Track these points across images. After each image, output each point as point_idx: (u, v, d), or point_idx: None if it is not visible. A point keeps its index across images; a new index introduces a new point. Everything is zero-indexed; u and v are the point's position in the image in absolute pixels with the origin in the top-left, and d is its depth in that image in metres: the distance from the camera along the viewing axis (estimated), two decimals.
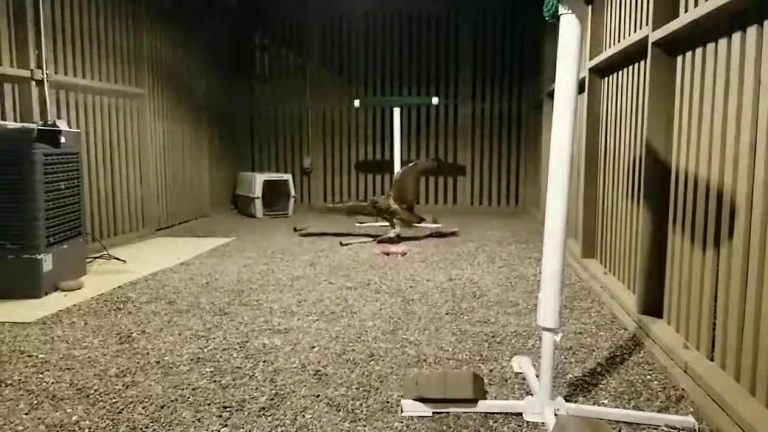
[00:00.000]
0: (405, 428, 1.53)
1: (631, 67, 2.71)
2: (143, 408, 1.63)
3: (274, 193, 6.00)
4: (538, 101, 5.88)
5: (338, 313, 2.54)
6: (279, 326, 2.36)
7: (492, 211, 6.39)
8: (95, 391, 1.74)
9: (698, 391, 1.69)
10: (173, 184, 5.09)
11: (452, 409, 1.61)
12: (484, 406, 1.62)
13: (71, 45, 3.72)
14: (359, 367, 1.93)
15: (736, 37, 1.69)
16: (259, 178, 5.81)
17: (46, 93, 3.38)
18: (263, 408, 1.63)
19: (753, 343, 1.53)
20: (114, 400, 1.68)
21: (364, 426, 1.53)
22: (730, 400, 1.53)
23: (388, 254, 3.85)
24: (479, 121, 6.45)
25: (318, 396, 1.71)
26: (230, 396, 1.71)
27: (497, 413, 1.60)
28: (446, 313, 2.55)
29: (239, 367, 1.92)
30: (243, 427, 1.52)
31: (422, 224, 4.57)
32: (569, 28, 1.49)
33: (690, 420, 1.53)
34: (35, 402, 1.67)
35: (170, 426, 1.53)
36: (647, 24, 2.34)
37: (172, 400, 1.68)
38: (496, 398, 1.70)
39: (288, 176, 6.06)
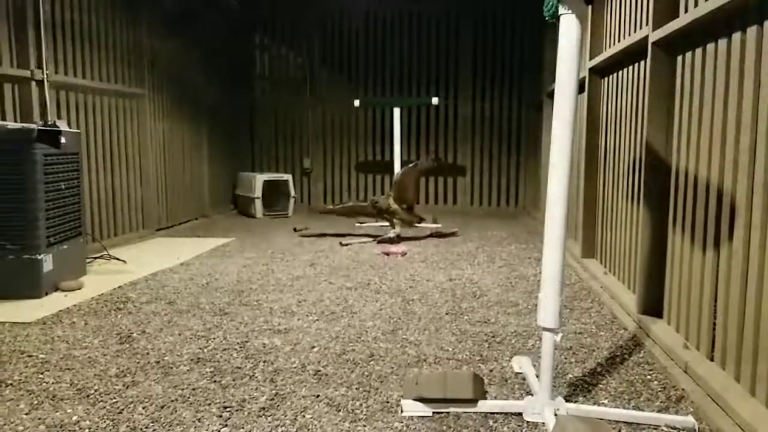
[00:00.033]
0: (405, 428, 1.53)
1: (631, 67, 2.71)
2: (143, 408, 1.63)
3: (274, 194, 6.00)
4: (538, 101, 5.88)
5: (338, 313, 2.54)
6: (279, 326, 2.36)
7: (492, 212, 6.39)
8: (95, 391, 1.74)
9: (698, 391, 1.69)
10: (173, 184, 5.09)
11: (452, 409, 1.61)
12: (484, 406, 1.62)
13: (71, 45, 3.72)
14: (359, 367, 1.93)
15: (736, 37, 1.70)
16: (259, 179, 5.81)
17: (47, 93, 3.38)
18: (263, 408, 1.63)
19: (753, 343, 1.53)
20: (114, 400, 1.68)
21: (364, 426, 1.53)
22: (730, 400, 1.53)
23: (388, 254, 3.85)
24: (479, 121, 6.45)
25: (318, 396, 1.71)
26: (230, 396, 1.71)
27: (497, 413, 1.60)
28: (446, 313, 2.55)
29: (239, 367, 1.92)
30: (243, 427, 1.52)
31: (422, 224, 4.57)
32: (569, 28, 1.49)
33: (690, 420, 1.53)
34: (35, 402, 1.67)
35: (170, 426, 1.53)
36: (647, 24, 2.34)
37: (172, 400, 1.68)
38: (496, 398, 1.70)
39: (288, 176, 6.06)
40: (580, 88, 3.31)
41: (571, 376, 1.88)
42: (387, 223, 4.50)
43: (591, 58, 3.33)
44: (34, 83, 3.30)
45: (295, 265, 3.54)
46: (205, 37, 5.73)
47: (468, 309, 2.62)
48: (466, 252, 3.99)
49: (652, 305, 2.28)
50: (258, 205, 5.80)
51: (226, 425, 1.53)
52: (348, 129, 6.61)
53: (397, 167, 5.22)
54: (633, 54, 2.62)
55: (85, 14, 3.86)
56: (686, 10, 2.01)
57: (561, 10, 1.49)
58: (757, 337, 1.51)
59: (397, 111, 5.36)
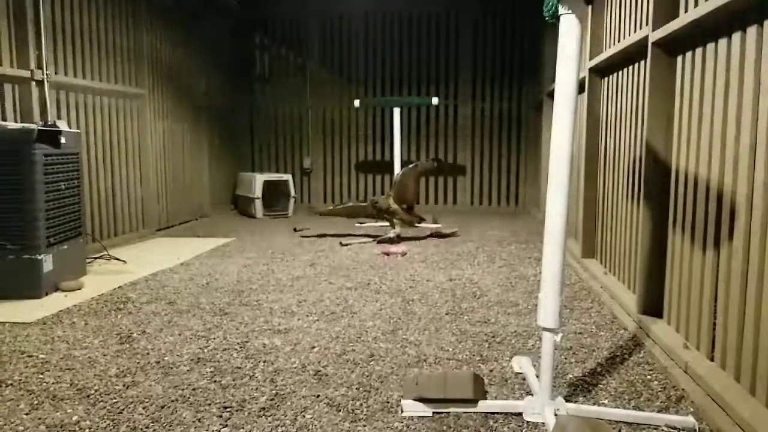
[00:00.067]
0: (405, 428, 1.53)
1: (631, 67, 2.71)
2: (143, 408, 1.63)
3: (274, 194, 6.00)
4: (538, 101, 5.88)
5: (338, 314, 2.54)
6: (279, 326, 2.36)
7: (492, 211, 6.39)
8: (96, 391, 1.74)
9: (698, 391, 1.69)
10: (173, 184, 5.09)
11: (452, 409, 1.61)
12: (484, 406, 1.62)
13: (71, 45, 3.72)
14: (359, 368, 1.93)
15: (736, 37, 1.70)
16: (259, 179, 5.81)
17: (47, 93, 3.38)
18: (263, 408, 1.63)
19: (753, 343, 1.53)
20: (114, 401, 1.68)
21: (365, 426, 1.53)
22: (730, 400, 1.53)
23: (388, 254, 3.85)
24: (479, 121, 6.45)
25: (318, 396, 1.71)
26: (230, 396, 1.71)
27: (497, 413, 1.60)
28: (446, 314, 2.55)
29: (239, 368, 1.92)
30: (243, 427, 1.52)
31: (422, 224, 4.57)
32: (569, 28, 1.49)
33: (690, 420, 1.54)
34: (36, 402, 1.67)
35: (170, 426, 1.53)
36: (647, 24, 2.34)
37: (172, 401, 1.68)
38: (496, 398, 1.70)
39: (288, 176, 6.07)
40: (580, 88, 3.32)
41: (571, 376, 1.88)
42: (387, 224, 4.50)
43: (591, 58, 3.33)
44: (34, 83, 3.30)
45: (295, 265, 3.54)
46: (205, 37, 5.73)
47: (468, 309, 2.62)
48: (466, 252, 3.99)
49: (652, 305, 2.28)
50: (258, 205, 5.80)
51: (227, 425, 1.53)
52: (348, 129, 6.61)
53: (397, 167, 5.22)
54: (633, 54, 2.62)
55: (85, 14, 3.86)
56: (686, 10, 2.01)
57: (561, 10, 1.49)
58: (757, 337, 1.51)
59: (397, 111, 5.36)
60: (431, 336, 2.26)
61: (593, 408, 1.62)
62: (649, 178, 2.29)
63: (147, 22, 4.60)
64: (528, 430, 1.53)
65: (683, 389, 1.74)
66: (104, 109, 4.08)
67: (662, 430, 1.52)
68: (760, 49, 1.56)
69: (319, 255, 3.86)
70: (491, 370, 1.92)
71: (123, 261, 3.56)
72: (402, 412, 1.61)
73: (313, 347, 2.12)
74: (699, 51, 1.96)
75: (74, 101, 3.75)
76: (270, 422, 1.55)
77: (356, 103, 5.63)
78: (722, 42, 1.78)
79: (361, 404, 1.66)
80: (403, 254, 3.87)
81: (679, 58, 2.14)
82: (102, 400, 1.68)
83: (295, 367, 1.93)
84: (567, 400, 1.63)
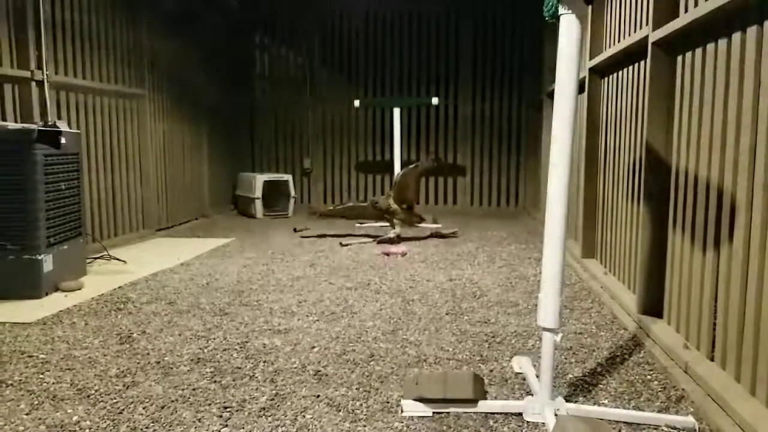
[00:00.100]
0: (405, 428, 1.53)
1: (631, 67, 2.71)
2: (144, 408, 1.63)
3: (274, 194, 6.00)
4: (538, 101, 5.88)
5: (338, 314, 2.54)
6: (279, 326, 2.36)
7: (492, 212, 6.39)
8: (96, 391, 1.74)
9: (698, 391, 1.69)
10: (173, 184, 5.09)
11: (452, 409, 1.61)
12: (484, 406, 1.62)
13: (71, 46, 3.72)
14: (359, 368, 1.93)
15: (736, 37, 1.70)
16: (259, 179, 5.81)
17: (47, 94, 3.38)
18: (263, 408, 1.63)
19: (753, 343, 1.53)
20: (114, 401, 1.68)
21: (365, 426, 1.53)
22: (730, 400, 1.53)
23: (388, 254, 3.85)
24: (479, 121, 6.45)
25: (318, 396, 1.71)
26: (230, 396, 1.71)
27: (497, 413, 1.60)
28: (446, 314, 2.55)
29: (239, 368, 1.92)
30: (243, 428, 1.52)
31: (422, 224, 4.57)
32: (569, 28, 1.49)
33: (690, 420, 1.53)
34: (36, 402, 1.67)
35: (171, 426, 1.53)
36: (647, 24, 2.34)
37: (172, 401, 1.68)
38: (496, 398, 1.70)
39: (288, 177, 6.07)
40: (580, 88, 3.31)
41: (571, 376, 1.88)
42: (387, 224, 4.50)
43: (591, 58, 3.33)
44: (34, 84, 3.30)
45: (295, 265, 3.54)
46: (205, 37, 5.73)
47: (468, 309, 2.62)
48: (466, 252, 3.99)
49: (653, 305, 2.28)
50: (258, 205, 5.80)
51: (227, 425, 1.53)
52: (348, 129, 6.61)
53: (397, 167, 5.23)
54: (633, 54, 2.62)
55: (85, 14, 3.86)
56: (686, 10, 2.01)
57: (561, 10, 1.49)
58: (757, 337, 1.51)
59: (397, 111, 5.36)
60: (431, 336, 2.26)
61: (593, 408, 1.62)
62: (649, 178, 2.29)
63: (147, 22, 4.60)
64: (528, 430, 1.53)
65: (683, 389, 1.74)
66: (104, 110, 4.08)
67: (662, 430, 1.52)
68: (760, 49, 1.56)
69: (319, 255, 3.86)
70: (491, 370, 1.92)
71: (123, 261, 3.56)
72: (402, 412, 1.61)
73: (313, 347, 2.12)
74: (699, 51, 1.96)
75: (74, 101, 3.75)
76: (270, 422, 1.55)
77: (356, 103, 5.63)
78: (722, 42, 1.79)
79: (361, 404, 1.66)
80: (403, 254, 3.87)
81: (679, 58, 2.14)
82: (102, 400, 1.68)
83: (295, 367, 1.93)
84: (567, 400, 1.63)
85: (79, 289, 2.93)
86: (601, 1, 3.23)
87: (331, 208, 4.75)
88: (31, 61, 3.30)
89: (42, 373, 1.87)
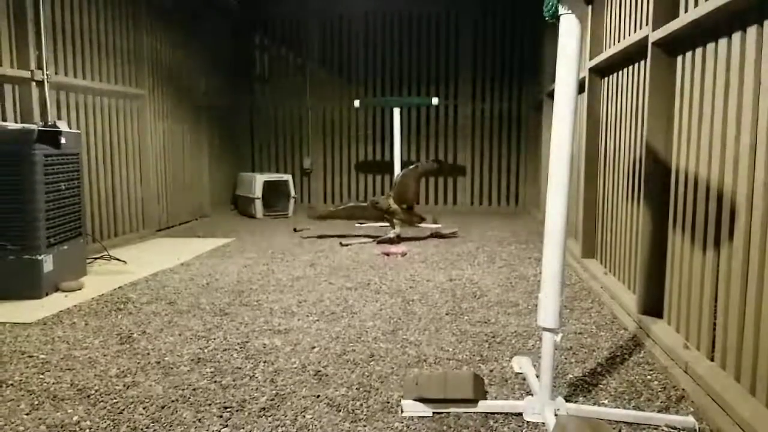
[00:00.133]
0: (405, 428, 1.53)
1: (631, 67, 2.71)
2: (144, 408, 1.63)
3: (274, 194, 6.00)
4: (538, 101, 5.88)
5: (338, 314, 2.54)
6: (279, 327, 2.36)
7: (492, 212, 6.39)
8: (96, 391, 1.74)
9: (698, 391, 1.69)
10: (173, 184, 5.09)
11: (452, 410, 1.61)
12: (484, 406, 1.62)
13: (71, 46, 3.72)
14: (359, 368, 1.93)
15: (736, 37, 1.70)
16: (259, 179, 5.81)
17: (47, 94, 3.38)
18: (264, 408, 1.63)
19: (753, 343, 1.53)
20: (115, 401, 1.68)
21: (365, 426, 1.53)
22: (730, 400, 1.53)
23: (388, 255, 3.85)
24: (479, 121, 6.46)
25: (318, 396, 1.71)
26: (231, 396, 1.71)
27: (497, 413, 1.60)
28: (446, 314, 2.55)
29: (240, 368, 1.92)
30: (243, 428, 1.52)
31: (423, 224, 4.57)
32: (569, 28, 1.49)
33: (690, 420, 1.54)
34: (36, 402, 1.67)
35: (171, 426, 1.53)
36: (647, 24, 2.34)
37: (172, 401, 1.68)
38: (496, 398, 1.70)
39: (288, 177, 6.07)
40: (580, 88, 3.32)
41: (571, 376, 1.88)
42: (387, 224, 4.50)
43: (591, 58, 3.33)
44: (34, 84, 3.30)
45: (296, 265, 3.54)
46: (205, 37, 5.73)
47: (468, 309, 2.62)
48: (466, 252, 3.99)
49: (653, 305, 2.28)
50: (258, 205, 5.80)
51: (227, 425, 1.53)
52: (348, 129, 6.61)
53: (397, 167, 5.23)
54: (633, 54, 2.62)
55: (85, 15, 3.86)
56: (686, 10, 2.01)
57: (561, 10, 1.49)
58: (757, 337, 1.51)
59: (397, 111, 5.36)
60: (431, 336, 2.26)
61: (593, 408, 1.62)
62: (649, 178, 2.29)
63: (147, 22, 4.61)
64: (528, 430, 1.53)
65: (683, 389, 1.74)
66: (104, 110, 4.08)
67: (662, 430, 1.52)
68: (760, 49, 1.56)
69: (319, 255, 3.86)
70: (491, 370, 1.92)
71: (123, 261, 3.57)
72: (402, 412, 1.61)
73: (314, 347, 2.12)
74: (699, 51, 1.96)
75: (74, 102, 3.75)
76: (270, 422, 1.55)
77: (356, 103, 5.63)
78: (722, 42, 1.79)
79: (362, 404, 1.66)
80: (403, 254, 3.87)
81: (679, 58, 2.14)
82: (102, 401, 1.68)
83: (296, 368, 1.93)
84: (567, 400, 1.63)
85: (80, 289, 2.93)
86: (601, 1, 3.23)
87: (332, 209, 4.74)
88: (31, 62, 3.30)
89: (42, 373, 1.88)
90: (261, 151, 6.75)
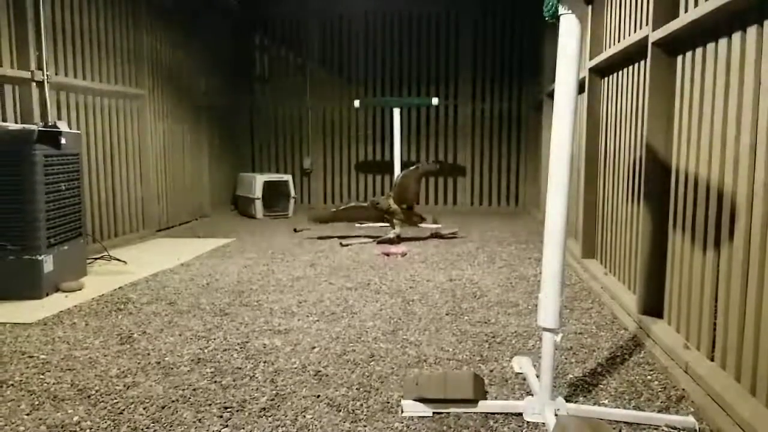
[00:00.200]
0: (405, 428, 1.53)
1: (631, 67, 2.71)
2: (144, 408, 1.63)
3: (274, 194, 6.00)
4: (538, 101, 5.88)
5: (338, 314, 2.54)
6: (279, 327, 2.36)
7: (492, 212, 6.39)
8: (96, 391, 1.74)
9: (699, 391, 1.69)
10: (173, 184, 5.09)
11: (452, 410, 1.61)
12: (484, 406, 1.62)
13: (71, 46, 3.72)
14: (360, 368, 1.93)
15: (736, 37, 1.70)
16: (260, 179, 5.81)
17: (47, 94, 3.38)
18: (264, 408, 1.63)
19: (753, 343, 1.53)
20: (115, 401, 1.68)
21: (365, 426, 1.54)
22: (730, 400, 1.53)
23: (388, 255, 3.85)
24: (479, 121, 6.46)
25: (318, 396, 1.71)
26: (231, 396, 1.71)
27: (497, 413, 1.61)
28: (446, 314, 2.55)
29: (240, 368, 1.92)
30: (244, 428, 1.52)
31: (423, 224, 4.57)
32: (569, 28, 1.49)
33: (690, 420, 1.54)
34: (36, 402, 1.67)
35: (171, 426, 1.53)
36: (647, 24, 2.34)
37: (172, 401, 1.68)
38: (496, 398, 1.70)
39: (288, 177, 6.07)
40: (580, 88, 3.32)
41: (571, 376, 1.88)
42: (387, 224, 4.50)
43: (591, 58, 3.33)
44: (34, 84, 3.31)
45: (296, 265, 3.54)
46: (205, 37, 5.73)
47: (468, 309, 2.62)
48: (466, 252, 3.99)
49: (653, 305, 2.28)
50: (258, 205, 5.80)
51: (227, 425, 1.54)
52: (348, 129, 6.61)
53: (397, 168, 5.23)
54: (633, 54, 2.62)
55: (85, 15, 3.86)
56: (686, 10, 2.01)
57: (561, 10, 1.49)
58: (757, 337, 1.51)
59: (397, 111, 5.36)
60: (431, 336, 2.26)
61: (593, 408, 1.62)
62: (649, 178, 2.29)
63: (147, 22, 4.61)
64: (528, 431, 1.53)
65: (683, 389, 1.74)
66: (104, 110, 4.08)
67: (662, 430, 1.52)
68: (761, 49, 1.56)
69: (319, 255, 3.86)
70: (491, 371, 1.92)
71: (123, 261, 3.57)
72: (402, 412, 1.61)
73: (314, 347, 2.12)
74: (699, 51, 1.96)
75: (74, 102, 3.75)
76: (270, 422, 1.55)
77: (356, 103, 5.63)
78: (722, 42, 1.79)
79: (362, 404, 1.66)
80: (403, 255, 3.87)
81: (679, 58, 2.14)
82: (103, 401, 1.68)
83: (296, 368, 1.93)
84: (567, 400, 1.63)
85: (80, 289, 2.93)
86: (601, 1, 3.23)
87: (333, 209, 4.73)
88: (32, 62, 3.30)
89: (42, 374, 1.88)
90: (261, 151, 6.76)
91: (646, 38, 2.31)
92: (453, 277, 3.23)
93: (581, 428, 1.37)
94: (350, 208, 4.74)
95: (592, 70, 3.33)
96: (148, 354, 2.05)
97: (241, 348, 2.11)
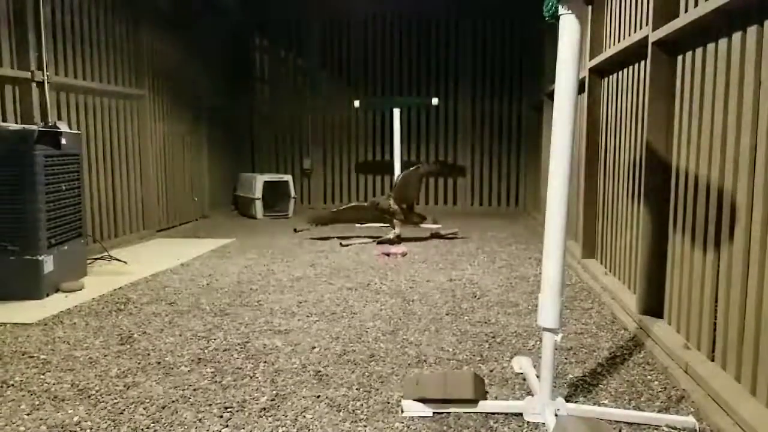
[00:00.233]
0: (406, 428, 1.53)
1: (631, 68, 2.71)
2: (144, 408, 1.63)
3: (275, 194, 6.00)
4: (538, 101, 5.88)
5: (339, 314, 2.54)
6: (279, 327, 2.36)
7: (492, 212, 6.39)
8: (96, 391, 1.74)
9: (699, 391, 1.69)
10: (173, 185, 5.09)
11: (453, 410, 1.61)
12: (484, 406, 1.62)
13: (71, 47, 3.72)
14: (360, 368, 1.93)
15: (737, 37, 1.70)
16: (260, 179, 5.81)
17: (47, 94, 3.38)
18: (264, 408, 1.63)
19: (753, 344, 1.53)
20: (115, 401, 1.68)
21: (365, 426, 1.54)
22: (730, 400, 1.53)
23: (388, 255, 3.85)
24: (479, 121, 6.46)
25: (319, 396, 1.71)
26: (231, 396, 1.71)
27: (498, 413, 1.60)
28: (446, 314, 2.55)
29: (240, 368, 1.92)
30: (244, 428, 1.52)
31: (423, 225, 4.57)
32: (569, 28, 1.49)
33: (690, 420, 1.53)
34: (37, 403, 1.67)
35: (171, 426, 1.53)
36: (647, 24, 2.34)
37: (173, 401, 1.68)
38: (496, 398, 1.70)
39: (288, 177, 6.07)
40: (580, 88, 3.31)
41: (571, 376, 1.88)
42: (387, 224, 4.50)
43: (591, 58, 3.33)
44: (34, 84, 3.31)
45: (296, 265, 3.54)
46: (205, 38, 5.73)
47: (468, 309, 2.62)
48: (467, 252, 3.99)
49: (653, 306, 2.28)
50: (258, 205, 5.80)
51: (227, 426, 1.54)
52: (348, 129, 6.61)
53: (397, 168, 5.22)
54: (633, 54, 2.62)
55: (85, 16, 3.86)
56: (686, 10, 2.01)
57: (561, 10, 1.49)
58: (757, 337, 1.51)
59: (397, 111, 5.36)
60: (431, 336, 2.26)
61: (593, 408, 1.62)
62: (650, 178, 2.29)
63: (147, 23, 4.61)
64: (528, 431, 1.53)
65: (684, 389, 1.74)
66: (104, 110, 4.08)
67: (663, 430, 1.52)
68: (761, 49, 1.56)
69: (319, 255, 3.86)
70: (491, 371, 1.92)
71: (123, 262, 3.57)
72: (402, 412, 1.61)
73: (314, 348, 2.12)
74: (699, 51, 1.96)
75: (74, 102, 3.75)
76: (270, 422, 1.55)
77: (356, 103, 5.63)
78: (722, 42, 1.79)
79: (362, 404, 1.66)
80: (404, 255, 3.87)
81: (679, 58, 2.14)
82: (103, 401, 1.68)
83: (296, 368, 1.93)
84: (567, 401, 1.63)
85: (80, 289, 2.93)
86: (601, 1, 3.23)
87: (334, 210, 4.73)
88: (32, 62, 3.30)
89: (43, 374, 1.88)
90: (261, 152, 6.76)
91: (646, 38, 2.31)
92: (453, 278, 3.23)
93: (581, 428, 1.37)
94: (350, 209, 4.74)
95: (592, 70, 3.33)
96: (149, 354, 2.05)
97: (241, 348, 2.11)
